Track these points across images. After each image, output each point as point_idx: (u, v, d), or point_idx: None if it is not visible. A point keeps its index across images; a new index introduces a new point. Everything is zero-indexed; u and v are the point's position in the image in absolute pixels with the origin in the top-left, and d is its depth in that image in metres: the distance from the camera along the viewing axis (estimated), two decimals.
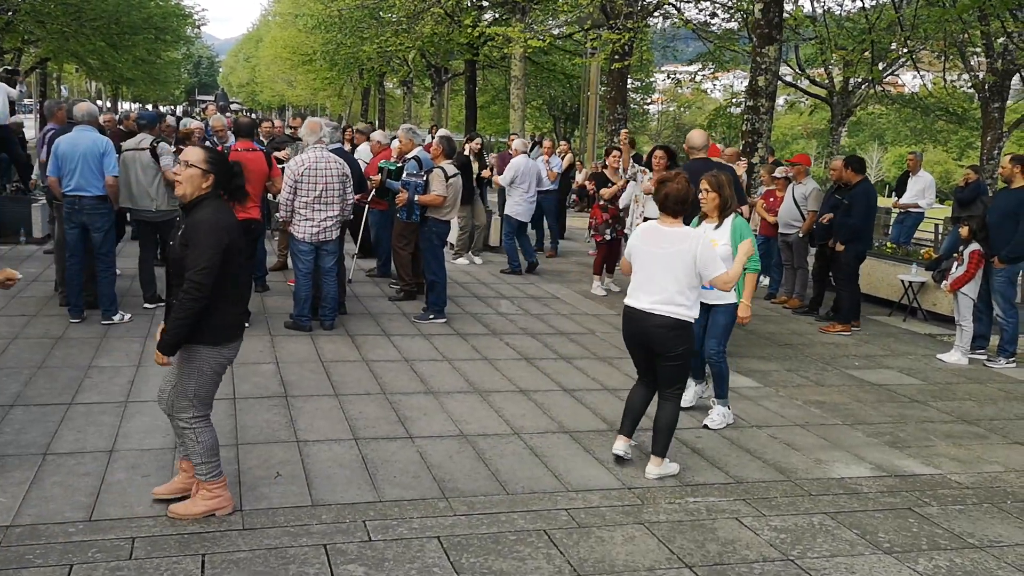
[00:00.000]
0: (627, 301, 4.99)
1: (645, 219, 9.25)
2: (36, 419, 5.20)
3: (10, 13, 24.13)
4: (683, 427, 5.79)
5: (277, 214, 8.07)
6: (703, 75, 24.18)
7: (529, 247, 11.83)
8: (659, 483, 4.89)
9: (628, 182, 9.91)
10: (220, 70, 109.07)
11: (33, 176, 11.36)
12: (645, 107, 47.34)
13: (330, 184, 7.49)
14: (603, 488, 4.77)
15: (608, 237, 10.24)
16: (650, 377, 5.12)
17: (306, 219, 7.49)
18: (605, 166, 10.80)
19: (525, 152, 12.12)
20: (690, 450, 5.45)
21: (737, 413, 6.23)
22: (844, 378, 7.48)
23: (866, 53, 17.60)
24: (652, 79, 42.69)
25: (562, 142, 15.31)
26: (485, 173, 12.52)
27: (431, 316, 8.38)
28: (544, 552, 3.98)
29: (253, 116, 27.08)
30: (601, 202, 10.29)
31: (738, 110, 21.96)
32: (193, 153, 4.05)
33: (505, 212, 11.81)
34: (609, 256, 10.54)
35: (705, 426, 5.94)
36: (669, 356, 4.87)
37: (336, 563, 3.75)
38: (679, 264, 4.77)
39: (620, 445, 5.15)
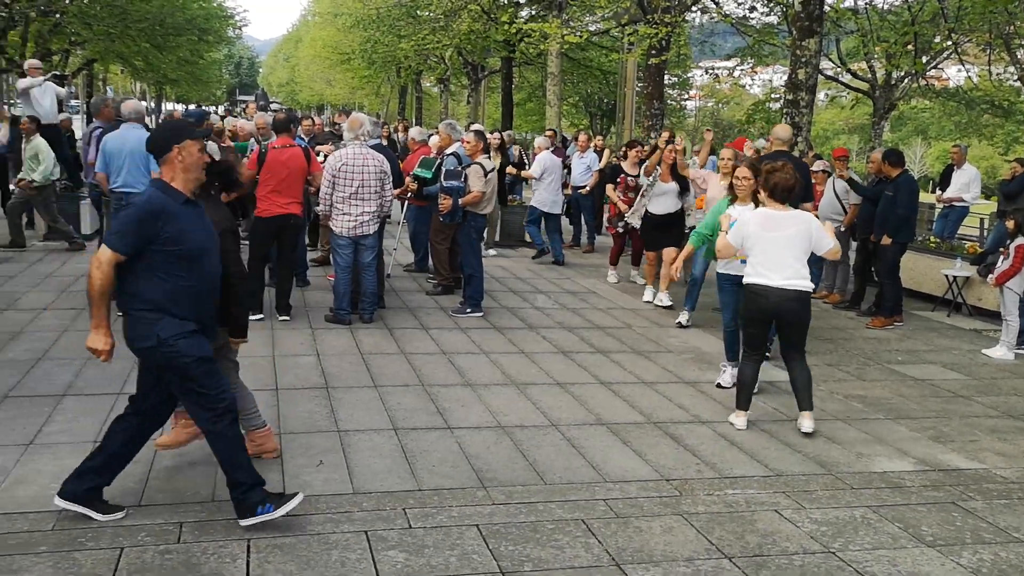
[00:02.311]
0: (754, 280, 5.54)
1: (647, 212, 9.24)
2: (87, 408, 5.33)
3: (58, 15, 24.64)
4: (721, 420, 5.83)
5: (317, 208, 8.19)
6: (742, 70, 23.97)
7: (557, 243, 11.95)
8: (697, 475, 4.89)
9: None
10: (260, 70, 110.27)
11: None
12: (682, 103, 47.00)
13: (367, 180, 7.56)
14: (641, 479, 4.78)
15: (620, 229, 10.32)
16: (761, 352, 5.76)
17: (343, 214, 7.59)
18: (624, 158, 10.73)
19: (548, 148, 12.45)
20: (728, 443, 5.44)
21: (777, 407, 6.21)
22: (886, 373, 7.39)
23: (909, 46, 17.33)
24: (690, 75, 42.39)
25: (597, 137, 15.24)
26: (510, 170, 12.67)
27: (468, 310, 8.43)
28: (582, 541, 4.00)
29: (292, 112, 27.37)
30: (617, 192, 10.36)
31: (777, 105, 21.71)
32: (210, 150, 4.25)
33: (532, 203, 12.10)
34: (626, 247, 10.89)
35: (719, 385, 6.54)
36: (798, 324, 5.56)
37: (377, 549, 3.81)
38: (798, 243, 5.48)
39: (743, 420, 5.71)
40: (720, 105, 56.46)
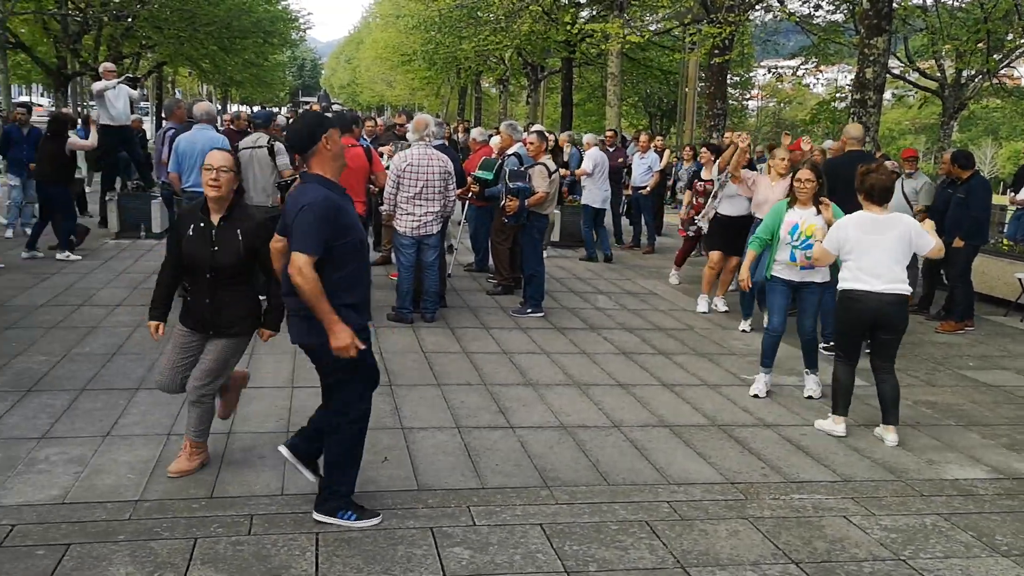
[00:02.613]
0: (854, 285, 5.39)
1: (716, 214, 9.09)
2: (160, 401, 5.47)
3: (130, 20, 25.40)
4: (787, 424, 5.75)
5: (381, 207, 8.30)
6: (805, 69, 23.56)
7: (605, 238, 12.07)
8: (763, 479, 4.83)
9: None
10: (322, 72, 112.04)
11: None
12: (744, 103, 46.35)
13: (431, 180, 7.63)
14: (705, 482, 4.74)
15: (692, 233, 10.17)
16: (856, 358, 5.65)
17: (407, 214, 7.67)
18: (699, 164, 10.63)
19: (597, 145, 12.51)
20: (795, 447, 5.36)
21: None
22: (957, 379, 7.21)
23: (980, 44, 16.84)
24: (752, 74, 41.80)
25: (658, 138, 15.12)
26: (564, 172, 12.70)
27: (528, 310, 8.45)
28: (647, 543, 3.99)
29: (354, 113, 27.73)
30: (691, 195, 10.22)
31: (842, 104, 21.27)
32: (224, 158, 4.29)
33: (583, 201, 12.14)
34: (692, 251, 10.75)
35: (809, 397, 6.33)
36: (896, 331, 5.47)
37: (443, 546, 3.85)
38: (899, 246, 5.33)
39: (843, 426, 5.61)
40: (782, 105, 55.57)
